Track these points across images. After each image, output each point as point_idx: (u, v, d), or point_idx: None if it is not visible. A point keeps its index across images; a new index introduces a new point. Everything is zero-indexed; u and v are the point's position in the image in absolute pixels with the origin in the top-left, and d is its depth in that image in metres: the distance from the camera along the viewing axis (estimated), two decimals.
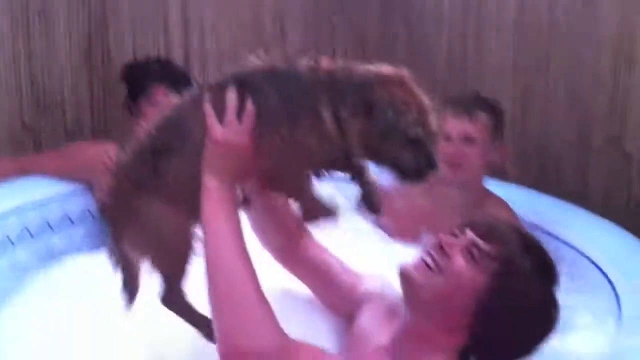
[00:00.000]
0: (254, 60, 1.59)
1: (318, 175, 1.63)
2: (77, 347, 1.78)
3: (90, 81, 3.36)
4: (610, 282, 2.17)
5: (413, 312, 1.60)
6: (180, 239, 1.62)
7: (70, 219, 2.72)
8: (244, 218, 1.74)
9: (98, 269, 1.84)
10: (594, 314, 2.04)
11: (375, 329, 1.71)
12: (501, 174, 2.88)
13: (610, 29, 2.94)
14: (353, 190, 1.64)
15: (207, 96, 1.57)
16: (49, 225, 2.64)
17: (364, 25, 3.90)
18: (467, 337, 1.54)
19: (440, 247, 1.57)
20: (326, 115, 1.51)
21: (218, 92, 1.56)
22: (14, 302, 2.06)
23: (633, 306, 1.99)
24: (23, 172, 2.80)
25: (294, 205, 1.72)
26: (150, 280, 1.67)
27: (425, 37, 3.69)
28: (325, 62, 1.56)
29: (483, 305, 1.52)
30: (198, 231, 1.59)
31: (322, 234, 1.91)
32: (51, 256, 2.41)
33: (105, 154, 2.63)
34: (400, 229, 2.53)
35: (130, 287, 1.69)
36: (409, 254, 1.71)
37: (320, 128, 1.51)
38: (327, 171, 1.62)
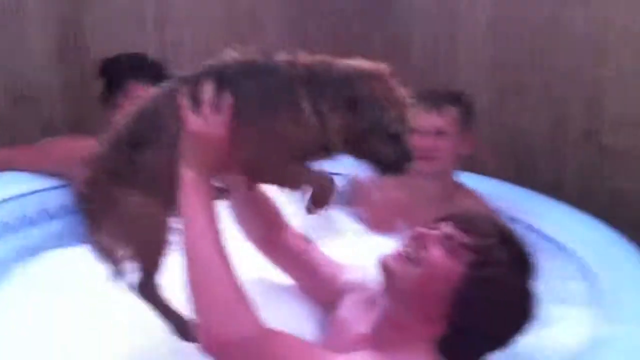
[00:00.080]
0: (232, 54, 1.59)
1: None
2: (56, 340, 1.77)
3: (64, 76, 3.33)
4: (586, 272, 2.20)
5: (392, 302, 1.62)
6: (157, 229, 1.63)
7: (48, 213, 2.70)
8: (226, 210, 1.76)
9: (77, 262, 1.83)
10: (571, 304, 2.07)
11: (356, 318, 1.73)
12: (479, 166, 2.91)
13: (584, 24, 2.97)
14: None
15: (184, 88, 1.57)
16: (28, 219, 2.63)
17: (338, 21, 3.91)
18: (445, 327, 1.57)
19: (419, 239, 1.59)
20: (306, 106, 1.52)
21: (195, 85, 1.57)
22: None
23: (610, 296, 2.02)
24: (4, 165, 2.78)
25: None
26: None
27: (400, 32, 3.70)
28: (302, 56, 1.58)
29: (460, 296, 1.54)
30: (174, 223, 1.60)
31: (302, 224, 1.94)
32: (30, 251, 2.39)
33: (83, 148, 2.62)
34: (377, 221, 2.58)
35: (118, 275, 1.69)
36: (387, 245, 1.72)
37: (300, 119, 1.52)
38: (307, 162, 1.62)
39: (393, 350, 1.57)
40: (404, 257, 1.59)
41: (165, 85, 1.64)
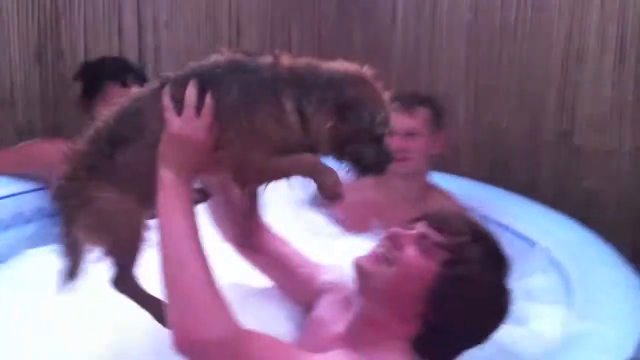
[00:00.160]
0: (216, 56, 1.60)
1: None
2: (40, 339, 1.77)
3: (41, 79, 3.31)
4: (560, 270, 2.22)
5: (366, 302, 1.63)
6: (132, 225, 1.63)
7: (23, 217, 2.70)
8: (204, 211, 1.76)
9: (53, 263, 1.82)
10: (544, 302, 2.09)
11: (332, 317, 1.74)
12: (454, 166, 2.93)
13: (560, 28, 3.01)
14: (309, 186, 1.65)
15: (166, 90, 1.57)
16: (3, 223, 2.62)
17: (319, 23, 3.93)
18: (420, 325, 1.57)
19: (393, 239, 1.60)
20: (289, 108, 1.53)
21: (178, 86, 1.57)
22: None
23: (582, 293, 2.04)
24: None
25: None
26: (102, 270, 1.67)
27: (380, 35, 3.73)
28: (287, 59, 1.58)
29: (434, 294, 1.55)
30: (150, 221, 1.60)
31: (279, 227, 1.94)
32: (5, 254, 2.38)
33: (59, 152, 2.61)
34: (353, 222, 2.62)
35: (69, 275, 1.69)
36: (363, 247, 1.73)
37: (282, 121, 1.53)
38: None
39: (369, 349, 1.58)
40: (378, 258, 1.60)
41: (149, 86, 1.65)
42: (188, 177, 1.57)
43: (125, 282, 1.67)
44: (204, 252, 1.52)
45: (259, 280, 1.95)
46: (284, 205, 2.39)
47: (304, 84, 1.54)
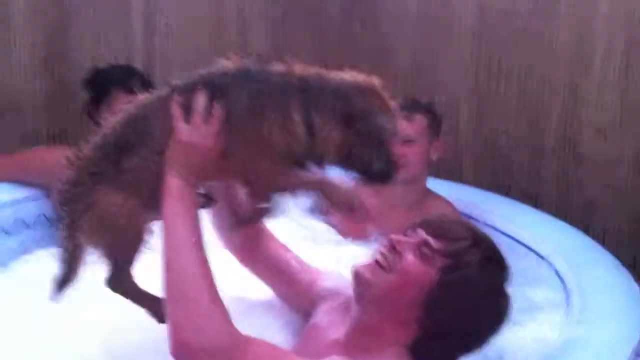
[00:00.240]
0: (225, 62, 1.61)
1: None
2: (31, 345, 1.78)
3: (48, 87, 3.34)
4: (560, 278, 2.21)
5: (364, 310, 1.63)
6: (135, 230, 1.64)
7: (25, 223, 2.71)
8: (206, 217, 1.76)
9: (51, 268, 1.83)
10: (543, 308, 2.09)
11: (330, 324, 1.74)
12: (457, 174, 2.94)
13: (565, 35, 3.01)
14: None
15: (175, 97, 1.59)
16: (4, 230, 2.64)
17: (324, 29, 3.94)
18: (418, 331, 1.57)
19: (393, 247, 1.60)
20: (296, 118, 1.54)
21: (186, 93, 1.58)
22: None
23: (582, 299, 2.04)
24: None
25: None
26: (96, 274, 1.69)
27: (384, 41, 3.74)
28: (296, 67, 1.59)
29: (432, 300, 1.55)
30: (153, 225, 1.62)
31: (279, 233, 1.94)
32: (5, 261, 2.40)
33: (61, 158, 2.63)
34: (351, 228, 2.62)
35: (65, 279, 1.70)
36: (363, 254, 1.74)
37: (290, 131, 1.54)
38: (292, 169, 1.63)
39: (366, 355, 1.58)
40: (377, 265, 1.60)
41: (157, 92, 1.65)
42: (195, 184, 1.59)
43: (121, 282, 1.68)
44: (207, 259, 1.53)
45: (258, 288, 1.95)
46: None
47: (313, 94, 1.55)
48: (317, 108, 1.55)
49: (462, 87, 3.41)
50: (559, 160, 3.08)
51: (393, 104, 1.61)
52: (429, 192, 2.81)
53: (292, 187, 1.61)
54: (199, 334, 1.44)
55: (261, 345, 1.50)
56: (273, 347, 1.54)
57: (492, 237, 1.67)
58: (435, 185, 2.90)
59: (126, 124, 1.62)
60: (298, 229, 2.49)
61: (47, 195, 2.80)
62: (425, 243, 1.58)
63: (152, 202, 1.58)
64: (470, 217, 2.59)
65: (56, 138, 3.36)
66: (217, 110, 1.55)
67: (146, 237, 1.64)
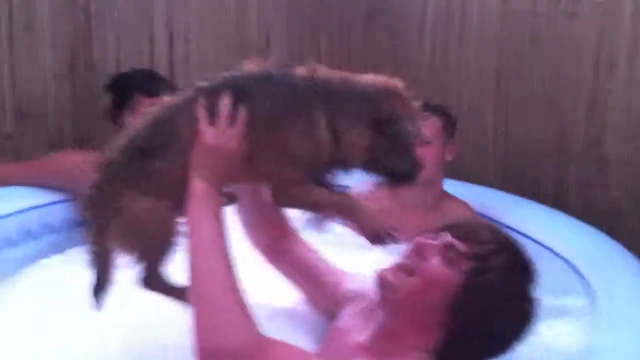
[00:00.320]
0: (249, 66, 1.61)
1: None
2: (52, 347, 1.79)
3: (72, 91, 3.37)
4: (587, 284, 2.19)
5: (389, 313, 1.62)
6: (166, 233, 1.64)
7: (51, 228, 2.73)
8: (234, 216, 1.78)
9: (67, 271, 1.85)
10: (567, 313, 2.07)
11: (355, 327, 1.73)
12: (481, 176, 2.92)
13: (590, 37, 2.98)
14: None
15: (200, 99, 1.60)
16: (30, 234, 2.65)
17: (347, 34, 3.94)
18: (443, 335, 1.56)
19: (417, 250, 1.59)
20: (321, 122, 1.54)
21: (211, 96, 1.59)
22: None
23: (607, 306, 2.01)
24: (4, 180, 2.81)
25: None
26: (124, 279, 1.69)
27: (408, 46, 3.73)
28: (320, 71, 1.59)
29: (457, 303, 1.53)
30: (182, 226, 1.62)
31: (305, 236, 1.94)
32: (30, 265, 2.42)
33: (86, 163, 2.65)
34: None
35: (103, 287, 1.70)
36: (386, 257, 1.73)
37: (314, 136, 1.54)
38: (318, 176, 1.64)
39: (391, 359, 1.57)
40: (400, 268, 1.59)
41: (181, 94, 1.66)
42: (219, 186, 1.60)
43: (155, 281, 1.69)
44: (232, 261, 1.53)
45: (281, 296, 1.95)
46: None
47: (338, 98, 1.55)
48: (343, 112, 1.55)
49: (485, 91, 3.40)
50: (584, 163, 3.04)
51: (416, 106, 1.61)
52: (445, 194, 2.83)
53: (320, 205, 1.61)
54: (223, 335, 1.45)
55: (284, 348, 1.50)
56: (296, 350, 1.54)
57: (518, 240, 1.65)
58: (459, 188, 2.89)
59: (151, 126, 1.63)
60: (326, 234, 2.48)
61: (73, 200, 2.82)
62: (451, 246, 1.57)
63: (178, 204, 1.58)
64: (494, 220, 2.56)
65: (82, 142, 3.38)
66: (242, 113, 1.56)
67: (176, 239, 1.64)
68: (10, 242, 2.58)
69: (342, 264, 2.01)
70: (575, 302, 2.13)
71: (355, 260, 2.26)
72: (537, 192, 3.12)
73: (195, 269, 1.52)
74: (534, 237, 2.44)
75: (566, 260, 2.34)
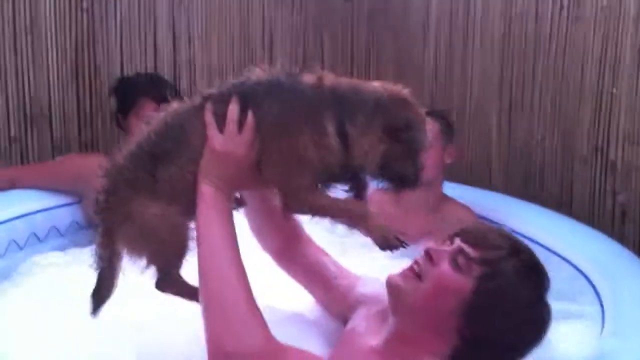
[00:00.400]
0: (258, 73, 1.62)
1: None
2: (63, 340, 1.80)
3: (77, 94, 3.37)
4: (595, 288, 2.18)
5: (401, 319, 1.61)
6: (177, 238, 1.64)
7: (58, 230, 2.73)
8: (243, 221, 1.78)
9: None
10: (578, 319, 2.05)
11: (368, 330, 1.72)
12: (488, 181, 2.91)
13: (595, 41, 2.98)
14: None
15: (208, 106, 1.60)
16: (37, 236, 2.65)
17: (351, 38, 3.95)
18: (456, 341, 1.54)
19: (428, 256, 1.59)
20: (330, 130, 1.54)
21: (220, 103, 1.59)
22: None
23: (616, 312, 2.01)
24: (11, 183, 2.81)
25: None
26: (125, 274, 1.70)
27: (412, 50, 3.74)
28: (328, 78, 1.60)
29: (470, 308, 1.52)
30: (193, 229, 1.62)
31: (317, 238, 1.94)
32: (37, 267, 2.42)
33: (93, 165, 2.66)
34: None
35: (103, 294, 1.70)
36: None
37: (323, 143, 1.54)
38: (327, 182, 1.64)
39: None
40: (410, 273, 1.59)
41: (190, 100, 1.66)
42: (228, 192, 1.60)
43: (171, 283, 1.69)
44: (242, 266, 1.54)
45: (292, 300, 1.95)
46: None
47: (347, 106, 1.56)
48: (353, 120, 1.55)
49: (490, 94, 3.40)
50: (590, 168, 3.04)
51: (423, 113, 1.62)
52: (445, 197, 2.88)
53: (331, 211, 1.61)
54: (235, 339, 1.45)
55: (298, 354, 1.50)
56: (309, 355, 1.53)
57: (528, 245, 1.64)
58: (464, 191, 2.89)
59: (161, 132, 1.63)
60: (334, 237, 2.48)
61: (79, 202, 2.83)
62: (461, 251, 1.56)
63: (188, 210, 1.59)
64: (501, 225, 2.56)
65: (87, 145, 3.39)
66: (250, 119, 1.56)
67: (189, 243, 1.64)
68: (17, 245, 2.58)
69: (354, 267, 2.00)
70: (582, 307, 2.13)
71: (366, 263, 2.26)
72: (542, 196, 3.12)
73: (206, 274, 1.53)
74: (540, 241, 2.43)
75: (573, 265, 2.34)
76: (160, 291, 1.69)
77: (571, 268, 2.34)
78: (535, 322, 1.57)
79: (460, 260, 1.55)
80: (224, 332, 1.46)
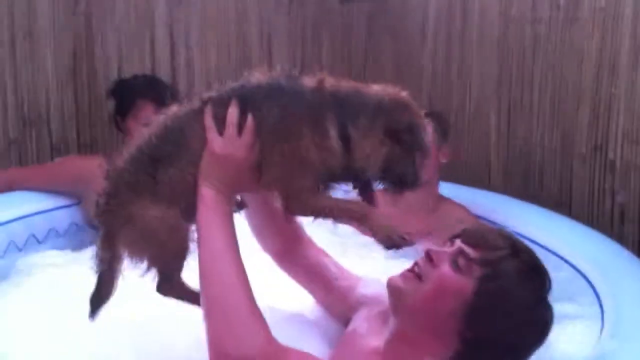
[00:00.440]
0: (257, 76, 1.62)
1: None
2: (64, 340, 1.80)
3: (75, 96, 3.38)
4: (594, 288, 2.18)
5: (402, 320, 1.61)
6: (177, 238, 1.64)
7: (57, 232, 2.73)
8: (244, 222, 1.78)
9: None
10: (577, 320, 2.05)
11: (370, 331, 1.72)
12: (487, 182, 2.91)
13: (592, 42, 2.98)
14: None
15: (208, 109, 1.60)
16: (35, 238, 2.65)
17: (349, 41, 3.95)
18: (458, 343, 1.54)
19: (429, 257, 1.59)
20: (332, 134, 1.54)
21: (219, 106, 1.59)
22: None
23: (615, 312, 2.00)
24: (10, 185, 2.81)
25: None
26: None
27: (410, 52, 3.74)
28: (329, 82, 1.60)
29: (471, 309, 1.52)
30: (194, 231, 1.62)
31: (318, 240, 1.94)
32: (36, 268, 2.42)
33: (92, 167, 2.66)
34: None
35: (102, 297, 1.70)
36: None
37: (325, 146, 1.55)
38: (327, 184, 1.63)
39: None
40: (410, 275, 1.59)
41: (190, 103, 1.66)
42: (228, 194, 1.60)
43: (172, 287, 1.69)
44: (243, 268, 1.54)
45: (293, 300, 1.95)
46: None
47: (349, 108, 1.56)
48: (355, 123, 1.55)
49: (488, 95, 3.41)
50: (589, 168, 3.04)
51: (423, 115, 1.62)
52: (441, 197, 2.90)
53: (333, 212, 1.60)
54: (237, 342, 1.45)
55: (298, 356, 1.50)
56: (310, 357, 1.53)
57: (528, 245, 1.64)
58: (464, 192, 2.89)
59: (161, 135, 1.63)
60: (335, 238, 2.48)
61: (79, 204, 2.83)
62: (461, 252, 1.56)
63: (188, 212, 1.59)
64: (500, 225, 2.56)
65: (86, 147, 3.39)
66: (250, 122, 1.56)
67: (189, 246, 1.64)
68: (16, 246, 2.59)
69: (355, 268, 2.01)
70: (581, 307, 2.12)
71: (368, 264, 2.26)
72: (541, 195, 3.12)
73: (207, 277, 1.53)
74: (538, 241, 2.42)
75: (572, 265, 2.33)
76: (161, 295, 1.69)
77: (570, 268, 2.33)
78: (536, 323, 1.56)
79: (461, 261, 1.55)
80: (226, 334, 1.46)
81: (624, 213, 2.90)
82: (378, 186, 1.66)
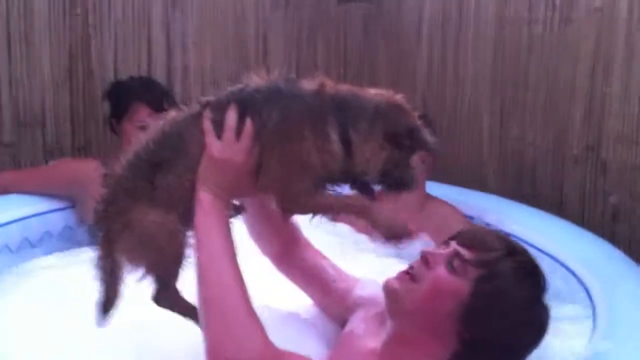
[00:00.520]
0: (256, 79, 1.62)
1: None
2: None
3: (71, 99, 3.37)
4: (586, 289, 2.19)
5: (399, 322, 1.62)
6: (175, 247, 1.64)
7: (51, 234, 2.74)
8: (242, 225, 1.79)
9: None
10: (571, 321, 2.06)
11: (367, 333, 1.73)
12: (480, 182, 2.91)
13: (587, 42, 2.99)
14: None
15: (207, 113, 1.60)
16: (29, 241, 2.65)
17: (344, 43, 3.96)
18: (456, 344, 1.55)
19: (425, 259, 1.60)
20: (333, 138, 1.55)
21: (218, 110, 1.59)
22: None
23: (608, 313, 2.01)
24: (4, 188, 2.82)
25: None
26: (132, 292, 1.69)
27: (405, 52, 3.75)
28: (328, 85, 1.60)
29: (468, 310, 1.53)
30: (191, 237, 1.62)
31: (315, 242, 1.95)
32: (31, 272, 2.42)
33: (87, 170, 2.67)
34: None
35: (109, 303, 1.70)
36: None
37: (326, 150, 1.55)
38: (325, 186, 1.64)
39: None
40: (405, 276, 1.60)
41: (188, 108, 1.66)
42: (226, 199, 1.60)
43: (167, 297, 1.69)
44: (241, 273, 1.54)
45: (290, 301, 1.95)
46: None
47: (350, 113, 1.56)
48: (356, 127, 1.56)
49: (483, 96, 3.41)
50: (582, 169, 3.05)
51: (417, 118, 1.63)
52: (429, 196, 2.90)
53: (332, 210, 1.62)
54: (234, 345, 1.46)
55: (296, 359, 1.51)
56: None
57: (523, 246, 1.65)
58: (458, 193, 2.89)
59: (159, 141, 1.63)
60: (333, 238, 2.49)
61: (73, 207, 2.83)
62: (457, 254, 1.57)
63: (186, 217, 1.59)
64: (492, 226, 2.57)
65: (80, 150, 3.39)
66: (248, 126, 1.56)
67: (185, 251, 1.64)
68: (9, 249, 2.59)
69: (353, 269, 2.01)
70: (575, 308, 2.14)
71: (366, 265, 2.27)
72: (534, 197, 3.13)
73: (204, 282, 1.53)
74: (531, 242, 2.43)
75: (564, 266, 2.34)
76: (157, 305, 1.70)
77: (563, 269, 2.34)
78: (533, 323, 1.58)
79: (456, 263, 1.56)
80: (223, 338, 1.47)
81: (617, 213, 2.91)
82: (375, 188, 1.66)
